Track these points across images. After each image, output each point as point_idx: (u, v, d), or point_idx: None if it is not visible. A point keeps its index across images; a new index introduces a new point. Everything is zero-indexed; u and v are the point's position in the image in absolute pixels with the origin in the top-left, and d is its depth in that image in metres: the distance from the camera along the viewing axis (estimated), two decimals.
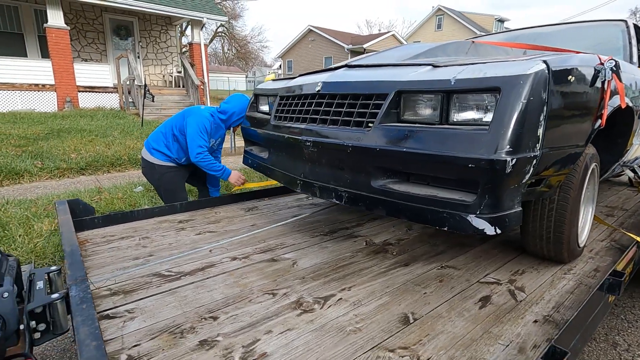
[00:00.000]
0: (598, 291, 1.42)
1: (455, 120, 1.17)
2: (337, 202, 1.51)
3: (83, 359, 0.76)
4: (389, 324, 1.21)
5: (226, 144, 3.18)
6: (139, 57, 11.17)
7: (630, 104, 1.63)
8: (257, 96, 2.27)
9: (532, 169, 1.12)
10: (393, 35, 26.47)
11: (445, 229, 1.15)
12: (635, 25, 2.48)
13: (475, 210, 1.07)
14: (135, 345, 1.08)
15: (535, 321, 1.24)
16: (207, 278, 1.50)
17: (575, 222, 1.54)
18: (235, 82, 34.84)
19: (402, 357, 1.05)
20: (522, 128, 1.02)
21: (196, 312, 1.25)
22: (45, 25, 8.26)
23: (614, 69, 1.32)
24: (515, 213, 1.15)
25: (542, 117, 1.07)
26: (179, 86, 11.25)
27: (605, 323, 1.95)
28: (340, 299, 1.36)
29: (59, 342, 1.79)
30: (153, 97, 8.92)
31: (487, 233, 1.09)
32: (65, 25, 8.43)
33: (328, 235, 2.00)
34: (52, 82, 8.48)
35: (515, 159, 1.02)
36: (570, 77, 1.15)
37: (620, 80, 1.34)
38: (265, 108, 2.17)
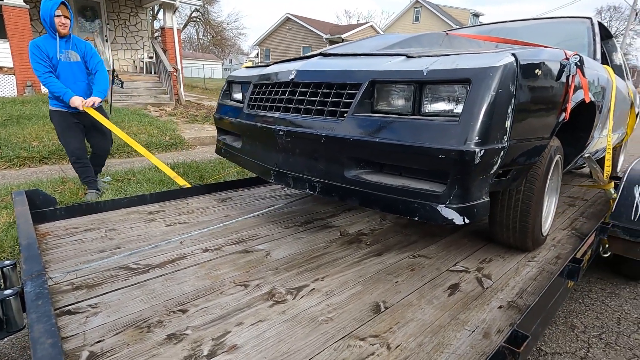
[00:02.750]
0: (558, 277, 1.49)
1: (427, 111, 1.17)
2: (311, 192, 1.50)
3: (37, 358, 0.72)
4: (361, 313, 1.22)
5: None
6: (106, 41, 10.62)
7: (593, 99, 1.70)
8: (230, 83, 2.20)
9: (499, 160, 1.15)
10: (371, 26, 26.46)
11: (416, 219, 1.16)
12: (599, 23, 2.58)
13: (445, 200, 1.09)
14: (98, 342, 1.03)
15: (500, 307, 1.29)
16: (177, 270, 1.46)
17: (540, 212, 1.60)
18: (211, 70, 33.86)
19: (373, 345, 1.07)
20: (490, 120, 1.04)
21: (164, 306, 1.22)
22: (1, 2, 7.67)
23: (579, 64, 1.37)
24: (483, 203, 1.18)
25: (510, 109, 1.09)
26: (151, 72, 10.80)
27: (564, 307, 2.06)
28: (313, 289, 1.36)
29: (19, 340, 1.70)
30: (122, 83, 8.53)
31: (456, 223, 1.11)
32: (24, 4, 7.86)
33: (303, 226, 1.99)
34: (11, 65, 7.92)
35: (483, 150, 1.04)
36: (537, 70, 1.18)
37: (584, 75, 1.39)
38: (238, 96, 2.11)
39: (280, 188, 2.75)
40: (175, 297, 1.27)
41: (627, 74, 3.28)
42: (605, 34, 2.93)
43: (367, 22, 27.50)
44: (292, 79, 1.54)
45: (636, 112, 3.31)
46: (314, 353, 1.02)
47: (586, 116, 1.82)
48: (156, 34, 12.64)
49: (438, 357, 1.03)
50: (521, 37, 2.26)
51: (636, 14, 22.93)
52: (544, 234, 1.76)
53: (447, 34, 1.90)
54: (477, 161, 1.04)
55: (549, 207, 1.89)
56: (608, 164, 2.03)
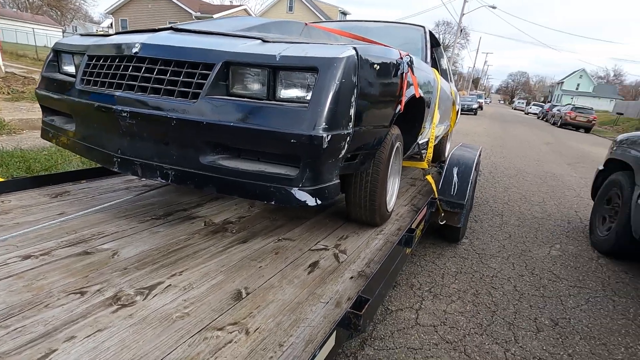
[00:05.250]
0: (397, 246, 1.74)
1: (281, 96, 1.19)
2: (164, 181, 1.36)
3: None
4: (221, 303, 1.19)
5: None
6: None
7: (423, 95, 2.02)
8: (57, 52, 1.80)
9: (346, 145, 1.26)
10: (245, 9, 25.73)
11: (273, 203, 1.19)
12: (430, 32, 3.09)
13: (298, 183, 1.14)
14: None
15: (352, 277, 1.44)
16: None
17: (385, 192, 1.84)
18: (47, 37, 27.45)
19: (231, 332, 1.05)
20: (336, 107, 1.12)
21: None
22: None
23: (409, 63, 1.60)
24: (334, 185, 1.28)
25: (353, 99, 1.20)
26: None
27: (406, 270, 2.45)
28: (169, 285, 1.26)
29: None
30: None
31: (309, 204, 1.17)
32: None
33: (161, 219, 1.82)
34: None
35: (330, 135, 1.12)
36: (376, 65, 1.32)
37: (413, 73, 1.64)
38: (69, 69, 1.75)
39: (137, 178, 2.44)
40: None
41: (450, 77, 4.04)
42: (435, 42, 3.53)
43: (240, 5, 26.63)
44: (137, 52, 1.35)
45: (457, 109, 4.13)
46: (165, 354, 0.94)
47: (418, 109, 2.17)
48: None
49: (294, 332, 1.08)
50: (371, 35, 2.52)
51: (461, 30, 28.58)
52: (389, 210, 2.04)
53: (306, 24, 1.97)
54: (326, 146, 1.11)
55: (393, 187, 2.19)
56: (430, 151, 2.47)
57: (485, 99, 46.79)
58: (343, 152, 1.26)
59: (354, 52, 1.17)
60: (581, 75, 60.77)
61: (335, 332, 1.03)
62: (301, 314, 1.17)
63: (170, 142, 1.30)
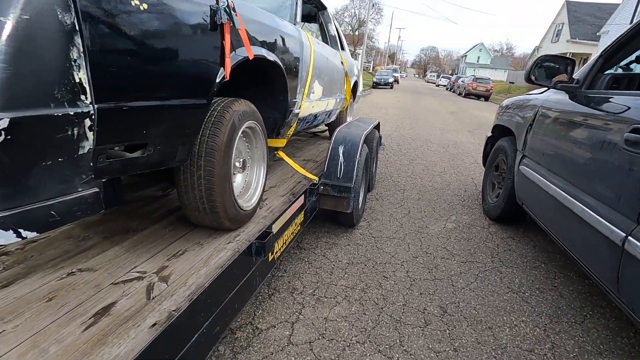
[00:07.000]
0: (243, 257, 1.34)
1: None
2: None
3: None
4: None
5: None
6: None
7: (273, 59, 1.59)
8: None
9: (90, 131, 0.77)
10: None
11: None
12: None
13: None
14: None
15: (154, 325, 0.99)
16: None
17: (229, 188, 1.40)
18: None
19: None
20: (18, 66, 0.63)
21: None
22: None
23: (228, 10, 1.14)
24: (80, 198, 0.79)
25: (76, 54, 0.71)
26: None
27: (290, 271, 2.09)
28: None
29: None
30: None
31: (1, 243, 0.68)
32: None
33: None
34: None
35: (14, 119, 0.62)
36: (136, 1, 0.84)
37: (235, 25, 1.18)
38: None
39: None
40: None
41: (343, 45, 3.70)
42: (321, 5, 3.13)
43: None
44: None
45: (353, 81, 3.82)
46: None
47: (277, 79, 1.75)
48: None
49: None
50: None
51: (373, 5, 28.99)
52: (248, 208, 1.61)
53: None
54: (6, 137, 0.62)
55: (257, 178, 1.77)
56: (293, 127, 2.11)
57: (401, 73, 49.00)
58: (86, 143, 0.77)
59: None
60: (480, 49, 67.07)
61: None
62: None
63: None
